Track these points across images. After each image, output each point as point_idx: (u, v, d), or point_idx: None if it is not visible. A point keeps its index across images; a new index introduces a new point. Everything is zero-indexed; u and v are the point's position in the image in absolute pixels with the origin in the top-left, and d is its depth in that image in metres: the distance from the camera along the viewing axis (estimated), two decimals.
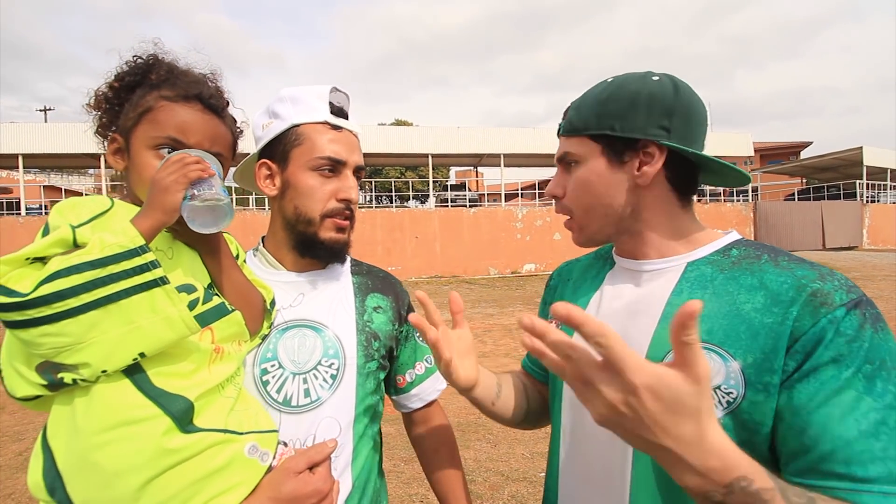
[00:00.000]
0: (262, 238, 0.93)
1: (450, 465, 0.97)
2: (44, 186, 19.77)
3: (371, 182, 22.87)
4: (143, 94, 0.72)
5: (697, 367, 0.44)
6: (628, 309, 0.72)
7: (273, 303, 0.82)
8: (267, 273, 0.88)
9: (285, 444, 0.74)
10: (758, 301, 0.61)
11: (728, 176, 0.74)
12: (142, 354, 0.59)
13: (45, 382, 0.58)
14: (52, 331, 0.55)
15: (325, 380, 0.81)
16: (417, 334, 0.98)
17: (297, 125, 0.84)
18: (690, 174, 0.73)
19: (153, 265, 0.60)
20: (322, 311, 0.86)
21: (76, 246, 0.60)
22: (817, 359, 0.56)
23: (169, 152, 0.70)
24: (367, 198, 23.63)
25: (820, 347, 0.56)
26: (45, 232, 0.62)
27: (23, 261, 0.57)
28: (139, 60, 0.75)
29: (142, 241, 0.60)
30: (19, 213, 14.28)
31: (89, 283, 0.56)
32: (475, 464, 3.00)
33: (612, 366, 0.45)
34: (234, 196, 17.22)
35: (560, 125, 0.78)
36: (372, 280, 0.95)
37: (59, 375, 0.57)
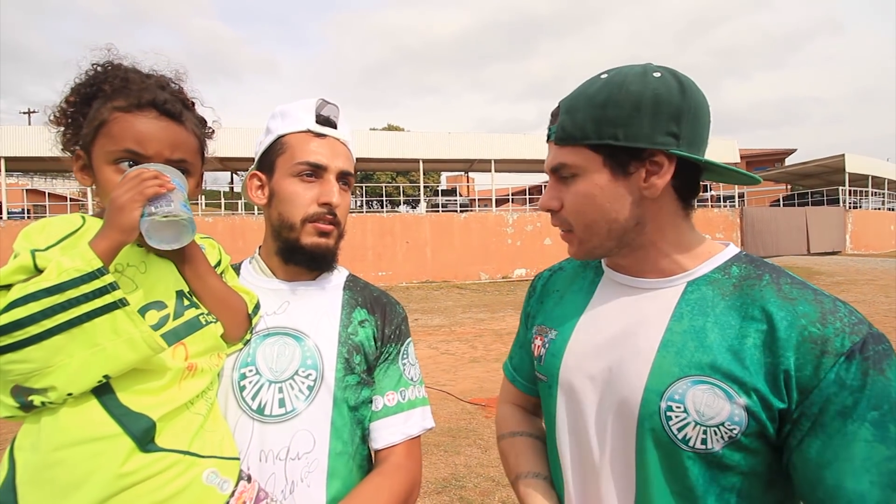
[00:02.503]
0: (259, 247, 0.93)
1: None
2: (27, 190, 19.39)
3: (362, 187, 22.80)
4: (98, 107, 0.70)
5: None
6: (624, 331, 0.68)
7: (257, 307, 0.80)
8: (258, 280, 0.88)
9: (249, 480, 0.71)
10: (758, 337, 0.60)
11: (734, 178, 0.70)
12: (106, 376, 0.59)
13: (17, 405, 0.59)
14: (16, 358, 0.55)
15: (301, 390, 0.79)
16: (403, 361, 0.91)
17: (283, 136, 0.85)
18: (695, 179, 0.68)
19: (112, 287, 0.59)
20: (305, 320, 0.84)
21: (38, 271, 0.59)
22: (822, 413, 0.55)
23: (130, 165, 0.68)
24: (358, 203, 23.54)
25: (824, 402, 0.55)
26: (16, 257, 0.62)
27: None
28: (98, 69, 0.72)
29: (99, 264, 0.58)
30: (0, 217, 13.98)
31: (48, 309, 0.55)
32: (466, 469, 2.97)
33: None
34: (222, 200, 17.06)
35: (550, 129, 0.70)
36: (363, 297, 0.92)
37: (29, 398, 0.58)
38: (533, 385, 0.88)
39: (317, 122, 0.85)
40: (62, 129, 0.73)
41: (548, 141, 0.71)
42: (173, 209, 0.64)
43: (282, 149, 0.84)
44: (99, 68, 0.72)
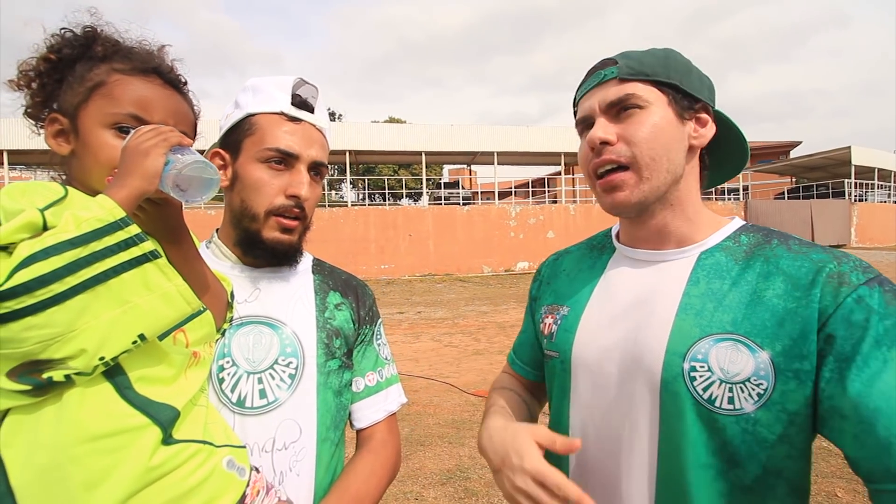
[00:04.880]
0: (217, 230, 0.87)
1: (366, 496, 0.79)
2: None
3: (364, 180, 22.76)
4: (89, 68, 0.64)
5: None
6: (641, 299, 0.69)
7: (233, 295, 0.76)
8: (221, 266, 0.82)
9: (258, 471, 0.70)
10: (778, 287, 0.61)
11: (729, 165, 0.76)
12: (142, 337, 0.54)
13: (27, 388, 0.51)
14: (37, 322, 0.48)
15: (282, 380, 0.77)
16: (378, 342, 0.91)
17: (253, 115, 0.79)
18: (708, 154, 0.75)
19: (139, 238, 0.53)
20: (280, 307, 0.81)
21: (46, 230, 0.52)
22: (857, 342, 0.54)
23: (128, 131, 0.62)
24: (360, 196, 23.53)
25: (854, 329, 0.55)
26: None
27: None
28: (82, 31, 0.66)
29: (122, 213, 0.53)
30: None
31: (72, 264, 0.49)
32: (470, 461, 2.98)
33: None
34: None
35: (610, 70, 0.68)
36: (333, 280, 0.91)
37: (46, 375, 0.50)
38: (532, 369, 0.90)
39: (292, 103, 0.79)
40: (29, 91, 0.65)
41: (599, 84, 0.69)
42: (197, 157, 0.59)
43: (250, 129, 0.78)
44: (82, 31, 0.66)
